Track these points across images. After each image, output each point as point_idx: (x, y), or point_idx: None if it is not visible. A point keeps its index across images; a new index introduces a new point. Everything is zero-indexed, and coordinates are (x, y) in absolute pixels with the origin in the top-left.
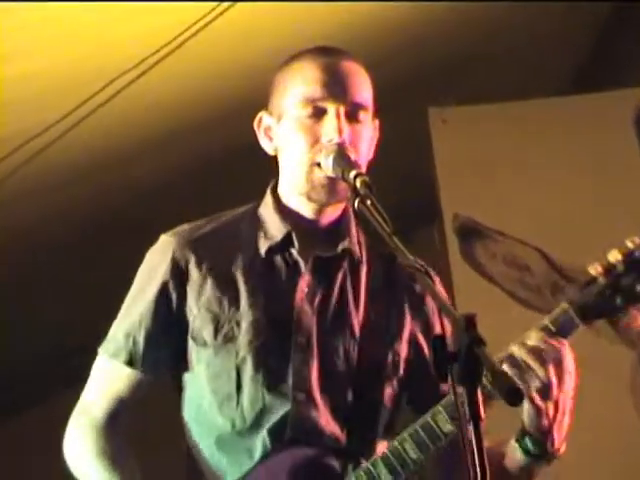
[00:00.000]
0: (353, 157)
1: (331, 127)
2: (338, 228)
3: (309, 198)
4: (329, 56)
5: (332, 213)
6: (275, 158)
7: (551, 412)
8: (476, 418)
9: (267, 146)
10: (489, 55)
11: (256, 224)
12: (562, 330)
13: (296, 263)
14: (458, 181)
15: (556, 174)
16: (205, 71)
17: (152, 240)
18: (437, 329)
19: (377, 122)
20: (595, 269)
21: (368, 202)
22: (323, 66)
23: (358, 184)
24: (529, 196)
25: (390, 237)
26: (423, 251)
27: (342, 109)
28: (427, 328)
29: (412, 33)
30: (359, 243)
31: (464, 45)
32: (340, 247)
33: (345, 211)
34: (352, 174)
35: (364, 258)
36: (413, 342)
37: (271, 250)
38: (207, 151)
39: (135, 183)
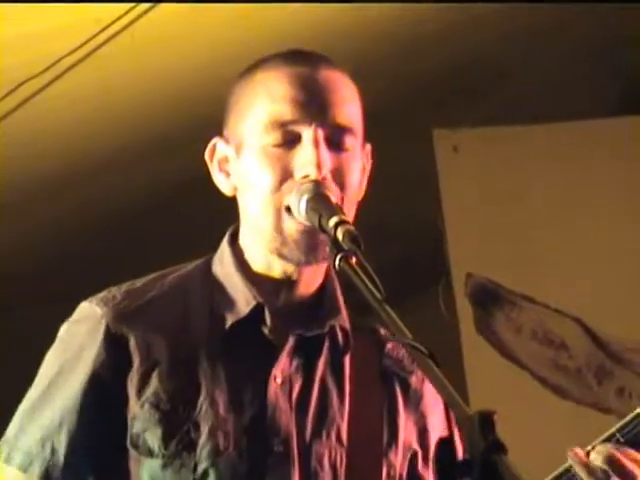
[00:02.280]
0: (334, 199)
1: (306, 158)
2: (322, 296)
3: (280, 255)
4: (303, 63)
5: (314, 275)
6: (234, 199)
7: None
8: None
9: (223, 184)
10: (509, 68)
11: (212, 289)
12: (637, 443)
13: (268, 345)
14: (472, 229)
15: (599, 219)
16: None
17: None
18: (439, 432)
19: (369, 148)
20: None
21: (353, 260)
22: (295, 77)
23: (340, 236)
24: (564, 249)
25: (382, 307)
26: (424, 323)
27: (321, 133)
28: (424, 432)
29: (411, 37)
30: (345, 317)
31: (477, 53)
32: (327, 323)
33: (329, 275)
34: (332, 222)
35: (349, 336)
36: (409, 450)
37: (236, 327)
38: (130, 186)
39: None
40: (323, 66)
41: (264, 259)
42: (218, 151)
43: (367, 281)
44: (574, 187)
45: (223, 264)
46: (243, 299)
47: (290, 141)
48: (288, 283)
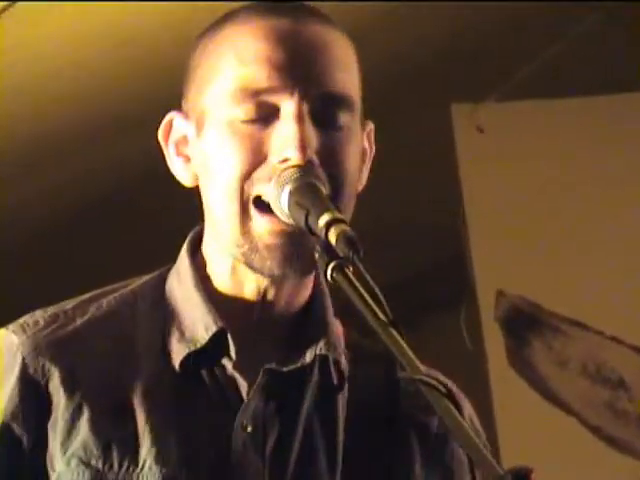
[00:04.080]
0: (325, 190)
1: (286, 137)
2: (305, 319)
3: (249, 265)
4: (284, 14)
5: (296, 292)
6: (197, 191)
7: None
8: None
9: (182, 171)
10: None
11: (165, 312)
12: None
13: (232, 382)
14: (502, 233)
15: None
16: None
17: None
18: None
19: (371, 127)
20: None
21: (350, 270)
22: (272, 31)
23: (333, 238)
24: (620, 257)
25: (386, 331)
26: (442, 352)
27: (305, 106)
28: None
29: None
30: (338, 346)
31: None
32: (309, 354)
33: (318, 288)
34: (322, 221)
35: (345, 365)
36: None
37: (191, 360)
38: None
39: None
40: (311, 19)
41: (231, 272)
42: (175, 129)
43: (368, 297)
44: (628, 174)
45: (180, 280)
46: (202, 324)
47: (265, 115)
48: (261, 304)
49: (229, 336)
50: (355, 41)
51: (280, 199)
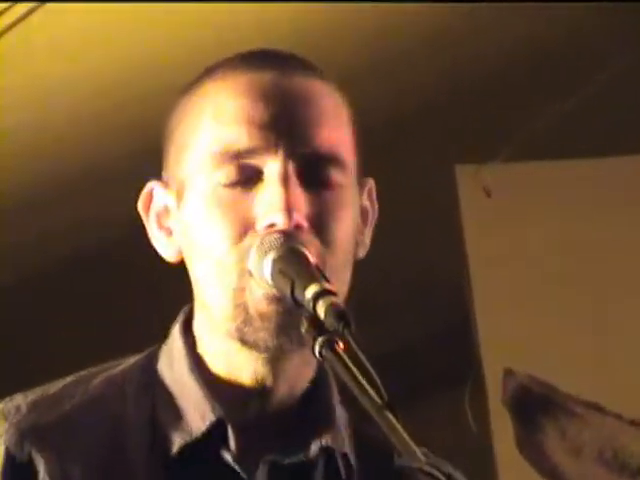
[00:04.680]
0: (313, 257)
1: (271, 201)
2: (309, 404)
3: (243, 340)
4: (266, 67)
5: (297, 376)
6: (183, 267)
7: None
8: None
9: (164, 246)
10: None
11: (155, 397)
12: None
13: (232, 476)
14: (511, 305)
15: None
16: None
17: None
18: None
19: (371, 184)
20: None
21: (340, 346)
22: (254, 86)
23: (321, 312)
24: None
25: (380, 413)
26: (444, 435)
27: (292, 166)
28: None
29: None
30: (344, 434)
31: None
32: (314, 446)
33: (321, 368)
34: (309, 292)
35: (354, 464)
36: None
37: (186, 451)
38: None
39: None
40: (298, 71)
41: (225, 354)
42: (156, 200)
43: (360, 377)
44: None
45: (172, 362)
46: (197, 413)
47: (249, 178)
48: (260, 391)
49: (228, 427)
50: (354, 96)
51: (262, 268)
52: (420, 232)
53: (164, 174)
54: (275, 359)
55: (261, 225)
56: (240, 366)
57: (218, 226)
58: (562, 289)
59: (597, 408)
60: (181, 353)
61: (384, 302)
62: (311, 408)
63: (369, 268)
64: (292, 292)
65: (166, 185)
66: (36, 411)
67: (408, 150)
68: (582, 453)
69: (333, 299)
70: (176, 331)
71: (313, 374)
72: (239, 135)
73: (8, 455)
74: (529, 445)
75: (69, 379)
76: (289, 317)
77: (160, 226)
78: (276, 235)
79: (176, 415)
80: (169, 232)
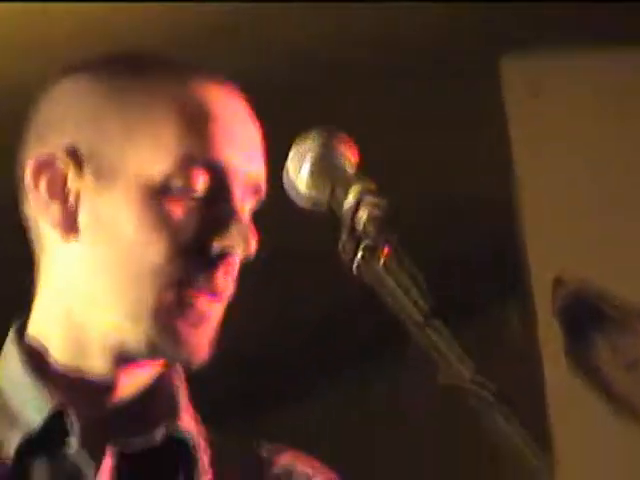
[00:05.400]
0: (354, 163)
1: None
2: (154, 395)
3: (154, 344)
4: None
5: (144, 373)
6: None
7: None
8: None
9: (50, 215)
10: None
11: None
12: None
13: (76, 470)
14: (562, 210)
15: None
16: None
17: None
18: None
19: None
20: None
21: (381, 260)
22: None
23: (365, 220)
24: None
25: (422, 331)
26: (487, 351)
27: (246, 185)
28: None
29: None
30: (194, 427)
31: None
32: (161, 430)
33: (172, 369)
34: (353, 196)
35: (205, 452)
36: None
37: (26, 447)
38: None
39: None
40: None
41: (75, 349)
42: (58, 167)
43: (409, 284)
44: None
45: (7, 367)
46: (35, 407)
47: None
48: (107, 376)
49: (70, 414)
50: None
51: (300, 171)
52: (464, 138)
53: (74, 144)
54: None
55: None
56: (94, 355)
57: (155, 232)
58: (615, 194)
59: None
60: (15, 358)
61: (429, 217)
62: (156, 399)
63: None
64: (332, 192)
65: (79, 158)
66: None
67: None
68: (634, 367)
69: (376, 201)
70: (9, 341)
71: (156, 375)
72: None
73: None
74: (578, 358)
75: None
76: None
77: (53, 193)
78: (315, 140)
79: (12, 414)
80: (65, 202)
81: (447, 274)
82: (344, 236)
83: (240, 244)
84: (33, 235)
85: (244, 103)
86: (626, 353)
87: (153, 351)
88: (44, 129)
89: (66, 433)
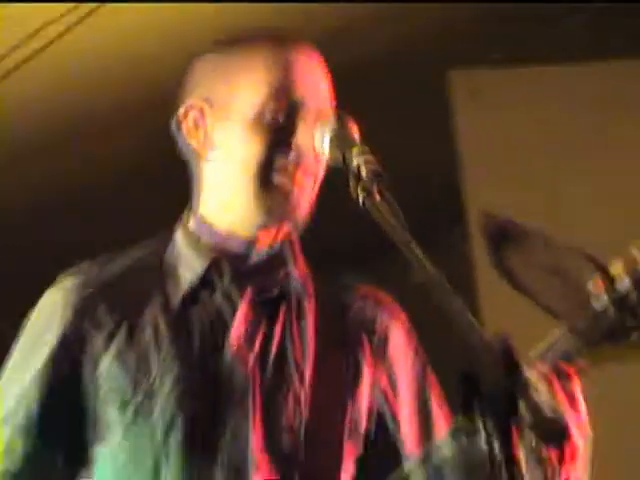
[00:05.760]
0: (356, 135)
1: (304, 138)
2: (280, 254)
3: (250, 217)
4: (282, 41)
5: (271, 236)
6: (195, 165)
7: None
8: (511, 460)
9: (192, 147)
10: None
11: (174, 257)
12: (564, 357)
13: (225, 305)
14: (488, 169)
15: (622, 158)
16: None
17: None
18: (406, 373)
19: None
20: (597, 285)
21: (377, 197)
22: (276, 51)
23: (364, 171)
24: (585, 189)
25: (407, 246)
26: (440, 262)
27: (311, 115)
28: (392, 374)
29: None
30: (305, 276)
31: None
32: (281, 281)
33: (290, 235)
34: (356, 156)
35: (311, 295)
36: (376, 392)
37: (191, 291)
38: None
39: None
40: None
41: (227, 223)
42: (195, 112)
43: (392, 219)
44: (604, 133)
45: (185, 234)
46: (198, 264)
47: (285, 119)
48: (247, 244)
49: (222, 264)
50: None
51: (322, 142)
52: (414, 131)
53: (208, 97)
54: (275, 222)
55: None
56: (237, 229)
57: (258, 141)
58: (529, 167)
59: (547, 240)
60: (180, 238)
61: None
62: (280, 255)
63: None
64: (344, 156)
65: (210, 104)
66: (97, 273)
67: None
68: (535, 269)
69: (372, 162)
70: (178, 229)
71: (281, 238)
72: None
73: (75, 304)
74: (501, 265)
75: (115, 254)
76: (287, 205)
77: (190, 133)
78: (331, 119)
79: (182, 268)
80: (203, 137)
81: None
82: (352, 182)
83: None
84: (187, 156)
85: (319, 60)
86: (534, 261)
87: (272, 217)
88: (189, 88)
89: (219, 281)
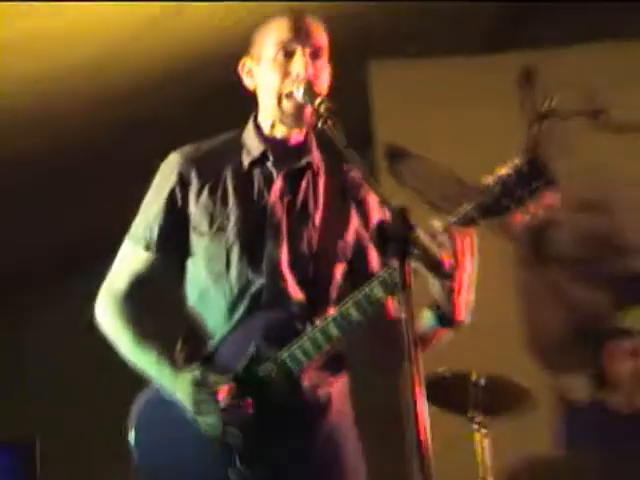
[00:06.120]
0: (317, 88)
1: (299, 64)
2: (303, 147)
3: (281, 122)
4: (296, 14)
5: (298, 135)
6: (254, 95)
7: (455, 288)
8: (405, 284)
9: (249, 84)
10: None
11: (240, 145)
12: (464, 223)
13: (271, 173)
14: (393, 117)
15: (474, 117)
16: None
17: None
18: (374, 222)
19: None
20: (492, 179)
21: (330, 122)
22: (292, 20)
23: (322, 109)
24: (450, 131)
25: (346, 148)
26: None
27: (307, 50)
28: (366, 223)
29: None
30: (318, 159)
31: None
32: (304, 161)
33: (308, 134)
34: (317, 101)
35: (322, 171)
36: (357, 233)
37: (252, 164)
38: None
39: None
40: (308, 16)
41: (270, 126)
42: (246, 65)
43: (338, 135)
44: (458, 95)
45: (248, 131)
46: (257, 148)
47: (289, 54)
48: (283, 139)
49: (269, 152)
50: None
51: (298, 92)
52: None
53: (251, 55)
54: (292, 128)
55: (294, 74)
56: (276, 130)
57: (275, 74)
58: (425, 115)
59: (425, 158)
60: (251, 127)
61: None
62: (304, 147)
63: None
64: (310, 101)
65: (251, 58)
66: (194, 150)
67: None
68: (418, 176)
69: (328, 103)
70: (250, 120)
71: (304, 135)
72: (286, 36)
73: (180, 166)
74: (395, 173)
75: (208, 139)
76: (302, 114)
77: (248, 75)
78: (303, 80)
79: (247, 151)
80: (251, 78)
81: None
82: (318, 114)
83: (303, 74)
84: (249, 89)
85: (320, 25)
86: (416, 170)
87: (287, 125)
88: (254, 49)
89: (268, 159)
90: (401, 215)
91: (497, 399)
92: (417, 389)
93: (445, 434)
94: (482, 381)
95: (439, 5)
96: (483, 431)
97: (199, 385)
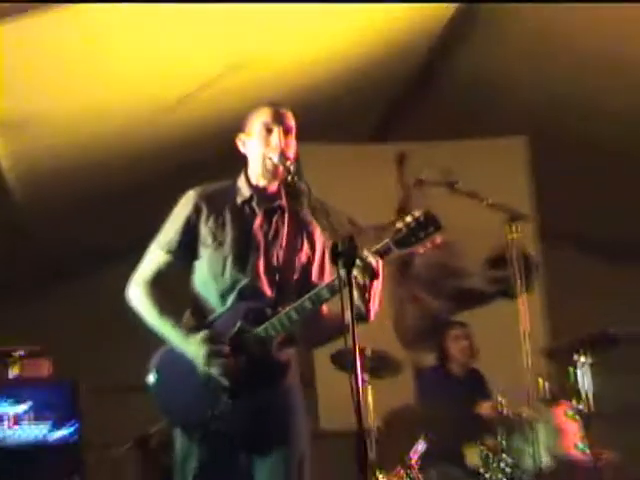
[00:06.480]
0: (288, 155)
1: (276, 138)
2: (276, 194)
3: (262, 176)
4: (275, 105)
5: (273, 185)
6: (245, 157)
7: (370, 297)
8: (350, 287)
9: (242, 150)
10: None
11: (236, 189)
12: (383, 253)
13: (255, 210)
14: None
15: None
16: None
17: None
18: (320, 247)
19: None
20: (401, 224)
21: (294, 178)
22: (272, 109)
23: (290, 169)
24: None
25: (304, 195)
26: None
27: (282, 129)
28: (312, 247)
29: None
30: (285, 202)
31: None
32: (276, 203)
33: (280, 185)
34: (287, 163)
35: (286, 210)
36: (306, 254)
37: (243, 202)
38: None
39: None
40: (283, 108)
41: (255, 177)
42: (242, 137)
43: (299, 185)
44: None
45: (241, 180)
46: (246, 192)
47: (270, 131)
48: (263, 187)
49: (254, 195)
50: None
51: (275, 156)
52: None
53: (245, 131)
54: (270, 180)
55: (273, 144)
56: (259, 181)
57: (260, 144)
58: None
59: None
60: (243, 177)
61: None
62: (276, 193)
63: None
64: (283, 163)
65: (245, 134)
66: (205, 189)
67: None
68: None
69: (293, 166)
70: (242, 173)
71: (277, 185)
72: (268, 119)
73: (195, 202)
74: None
75: (216, 183)
76: (277, 171)
77: (242, 144)
78: (278, 149)
79: (240, 193)
80: (244, 145)
81: None
82: (287, 172)
83: (278, 144)
84: (244, 154)
85: (290, 115)
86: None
87: (267, 179)
88: (246, 127)
89: (253, 200)
90: (349, 239)
91: (378, 365)
92: (357, 358)
93: (345, 389)
94: (369, 352)
95: (339, 105)
96: (369, 387)
97: (208, 342)
